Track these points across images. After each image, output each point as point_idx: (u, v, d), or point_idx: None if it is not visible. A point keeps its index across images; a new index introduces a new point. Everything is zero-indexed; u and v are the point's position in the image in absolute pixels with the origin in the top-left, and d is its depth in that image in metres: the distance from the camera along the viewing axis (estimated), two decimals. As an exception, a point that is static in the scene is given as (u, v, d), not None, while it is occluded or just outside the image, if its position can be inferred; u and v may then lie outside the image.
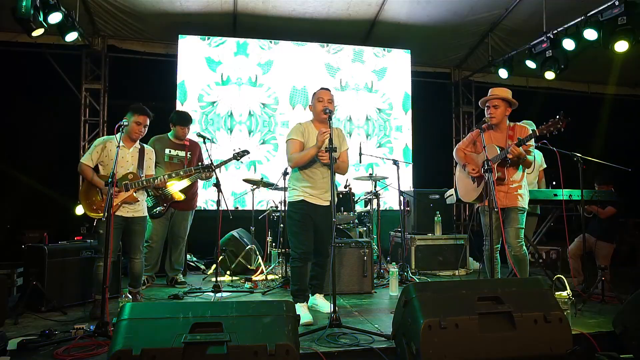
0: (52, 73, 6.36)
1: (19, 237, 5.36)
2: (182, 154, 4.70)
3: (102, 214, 3.51)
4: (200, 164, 4.09)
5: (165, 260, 4.82)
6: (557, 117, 3.26)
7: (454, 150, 3.97)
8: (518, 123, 3.78)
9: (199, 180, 4.72)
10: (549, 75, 5.90)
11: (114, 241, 3.34)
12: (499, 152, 3.57)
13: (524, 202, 3.69)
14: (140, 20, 6.39)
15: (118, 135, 3.48)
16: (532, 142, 3.65)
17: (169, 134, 4.74)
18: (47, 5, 4.75)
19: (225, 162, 4.25)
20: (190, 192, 4.71)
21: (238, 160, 4.19)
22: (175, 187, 4.44)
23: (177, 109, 6.46)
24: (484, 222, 3.81)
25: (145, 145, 3.86)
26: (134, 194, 3.62)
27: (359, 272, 4.39)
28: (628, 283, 4.39)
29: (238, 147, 4.32)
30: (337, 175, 3.74)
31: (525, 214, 3.71)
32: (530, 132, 3.58)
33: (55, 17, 4.92)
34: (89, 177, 3.59)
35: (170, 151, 4.66)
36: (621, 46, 4.95)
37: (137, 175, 3.66)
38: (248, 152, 4.25)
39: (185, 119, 4.72)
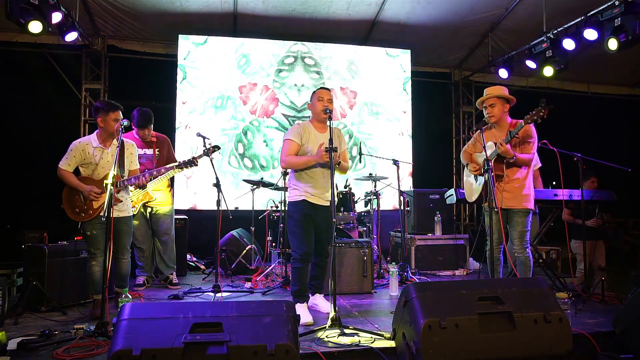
0: (52, 73, 6.36)
1: (19, 237, 5.36)
2: (149, 151, 4.60)
3: (85, 217, 3.52)
4: (183, 160, 4.01)
5: (157, 258, 4.73)
6: (540, 106, 3.37)
7: (462, 152, 4.00)
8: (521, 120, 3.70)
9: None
10: (548, 70, 5.89)
11: (103, 242, 3.26)
12: (494, 148, 3.58)
13: (528, 203, 3.63)
14: (140, 20, 6.38)
15: (118, 136, 3.43)
16: (532, 137, 3.62)
17: (133, 132, 4.59)
18: (47, 5, 4.75)
19: (197, 158, 4.16)
20: (163, 188, 4.63)
21: (209, 156, 4.10)
22: (148, 187, 4.34)
23: (177, 108, 6.49)
24: (487, 222, 3.81)
25: (125, 139, 3.70)
26: (117, 194, 3.56)
27: (359, 272, 4.39)
28: (628, 283, 4.38)
29: (209, 142, 4.17)
30: (337, 175, 3.75)
31: (530, 215, 3.66)
32: (531, 127, 3.59)
33: (55, 17, 4.92)
34: (71, 182, 3.53)
35: (137, 150, 4.57)
36: (612, 44, 4.96)
37: (119, 175, 3.57)
38: (219, 148, 4.19)
39: (145, 120, 4.53)
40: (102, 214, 3.36)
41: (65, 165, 3.54)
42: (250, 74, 6.77)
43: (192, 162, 3.95)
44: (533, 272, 3.72)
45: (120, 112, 3.61)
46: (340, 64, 7.04)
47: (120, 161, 3.60)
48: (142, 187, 3.95)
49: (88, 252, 3.60)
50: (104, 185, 3.49)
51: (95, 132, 3.67)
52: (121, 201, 3.64)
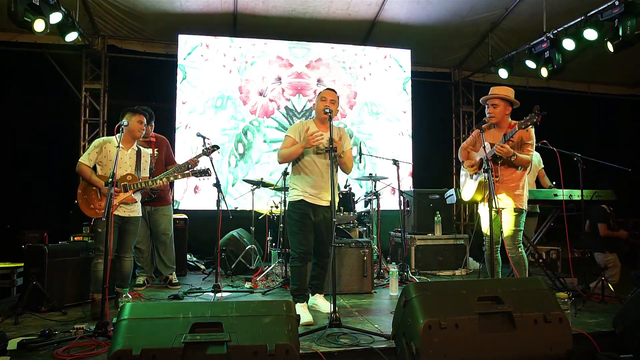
0: (52, 73, 6.36)
1: (19, 237, 5.36)
2: (149, 151, 4.60)
3: (100, 214, 3.56)
4: (198, 169, 4.01)
5: (156, 259, 4.73)
6: (533, 112, 3.35)
7: (459, 149, 3.98)
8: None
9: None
10: (544, 72, 5.91)
11: (112, 240, 3.36)
12: (490, 150, 3.57)
13: (520, 203, 3.62)
14: (140, 20, 6.39)
15: (118, 135, 3.53)
16: (531, 141, 3.62)
17: None
18: (47, 5, 4.75)
19: (196, 158, 4.18)
20: (163, 188, 4.58)
21: (208, 155, 4.11)
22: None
23: (177, 108, 6.49)
24: (483, 222, 3.81)
25: (142, 148, 3.88)
26: (132, 195, 3.67)
27: (359, 272, 4.39)
28: (628, 283, 4.38)
29: (208, 142, 4.20)
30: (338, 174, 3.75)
31: (523, 215, 3.65)
32: (531, 130, 3.58)
33: (55, 17, 4.91)
34: (88, 177, 3.62)
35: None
36: (610, 46, 4.98)
37: (136, 176, 3.69)
38: (218, 148, 4.20)
39: (147, 117, 4.47)
40: (115, 212, 3.49)
41: (87, 160, 3.63)
42: (294, 54, 6.86)
43: (206, 172, 3.95)
44: (532, 271, 3.71)
45: (145, 118, 3.82)
46: (339, 63, 7.04)
47: (137, 164, 3.75)
48: (157, 189, 4.01)
49: (96, 250, 3.64)
50: (121, 185, 3.62)
51: (118, 134, 3.70)
52: (135, 201, 3.73)
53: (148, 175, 3.89)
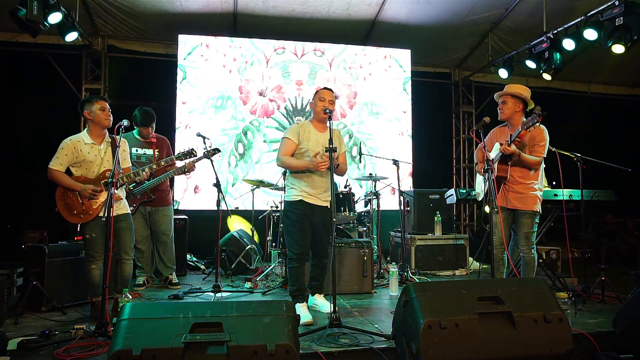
0: (52, 73, 6.36)
1: (19, 237, 5.36)
2: (149, 152, 4.60)
3: (85, 219, 3.40)
4: (181, 152, 3.96)
5: (156, 259, 4.73)
6: (534, 112, 3.34)
7: (476, 150, 3.98)
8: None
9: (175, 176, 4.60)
10: (547, 76, 5.92)
11: (103, 244, 3.19)
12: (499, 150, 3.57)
13: (534, 206, 3.61)
14: (140, 20, 6.39)
15: (118, 136, 3.35)
16: (543, 142, 3.60)
17: (134, 132, 4.59)
18: (47, 5, 4.75)
19: (196, 161, 4.19)
20: (163, 189, 4.63)
21: (209, 158, 4.10)
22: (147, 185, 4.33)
23: (177, 108, 6.48)
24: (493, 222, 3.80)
25: (114, 136, 3.62)
26: (116, 192, 3.43)
27: (359, 272, 4.39)
28: (628, 283, 4.38)
29: (209, 142, 4.18)
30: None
31: (536, 217, 3.64)
32: (544, 131, 3.58)
33: (55, 17, 4.92)
34: (65, 182, 3.40)
35: (137, 150, 4.53)
36: (617, 48, 4.98)
37: (116, 171, 3.43)
38: (219, 151, 4.20)
39: (148, 119, 4.53)
40: (101, 214, 3.30)
41: (57, 165, 3.40)
42: (293, 54, 6.81)
43: (190, 153, 3.91)
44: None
45: (107, 104, 3.53)
46: (339, 63, 7.04)
47: (114, 157, 3.46)
48: (141, 183, 3.93)
49: (87, 255, 3.48)
50: (102, 183, 3.44)
51: (85, 129, 3.57)
52: (121, 198, 3.59)
53: (129, 166, 3.71)
